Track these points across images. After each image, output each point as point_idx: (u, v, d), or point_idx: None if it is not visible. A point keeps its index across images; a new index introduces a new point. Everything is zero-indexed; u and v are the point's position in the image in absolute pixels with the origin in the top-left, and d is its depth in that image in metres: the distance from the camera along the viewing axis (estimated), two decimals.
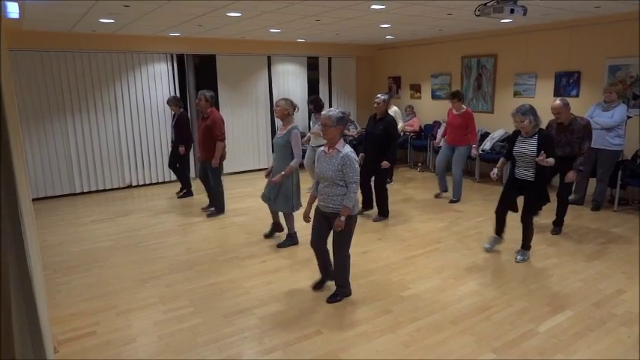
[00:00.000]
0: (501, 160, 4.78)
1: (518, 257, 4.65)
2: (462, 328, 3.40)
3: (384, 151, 5.72)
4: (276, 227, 5.40)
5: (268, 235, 5.42)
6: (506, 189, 4.71)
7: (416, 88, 10.10)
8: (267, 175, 5.12)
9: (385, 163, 5.70)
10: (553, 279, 4.22)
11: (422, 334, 3.32)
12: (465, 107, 6.71)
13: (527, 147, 4.38)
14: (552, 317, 3.54)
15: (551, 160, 4.23)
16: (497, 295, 3.92)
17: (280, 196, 4.91)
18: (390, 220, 6.05)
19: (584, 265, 4.53)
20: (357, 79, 10.90)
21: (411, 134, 9.56)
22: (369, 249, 5.05)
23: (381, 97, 5.80)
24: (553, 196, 5.46)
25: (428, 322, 3.49)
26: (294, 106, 4.96)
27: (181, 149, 7.15)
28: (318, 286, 4.06)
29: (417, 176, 8.89)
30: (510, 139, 4.64)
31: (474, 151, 6.75)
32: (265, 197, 5.09)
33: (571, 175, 5.06)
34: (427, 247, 5.08)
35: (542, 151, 4.20)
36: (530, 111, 4.31)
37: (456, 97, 6.65)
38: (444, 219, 6.10)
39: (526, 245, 4.68)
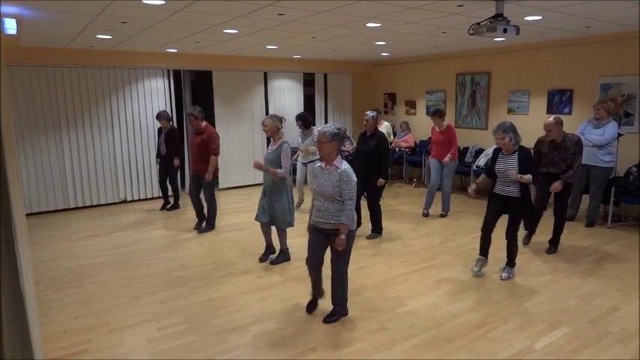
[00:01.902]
0: (482, 176, 4.78)
1: (503, 275, 4.62)
2: (459, 345, 3.38)
3: (375, 167, 5.72)
4: (270, 249, 5.24)
5: (264, 259, 5.19)
6: (490, 208, 4.65)
7: (411, 105, 10.18)
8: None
9: (380, 181, 5.70)
10: (548, 296, 4.22)
11: (418, 352, 3.29)
12: (446, 124, 6.86)
13: (508, 165, 4.41)
14: (548, 334, 3.52)
15: (527, 177, 4.29)
16: (493, 312, 3.90)
17: (278, 213, 4.91)
18: (385, 236, 6.04)
19: (579, 281, 4.53)
20: (353, 95, 10.99)
21: (407, 150, 9.62)
22: (365, 265, 5.04)
23: (369, 114, 5.86)
24: (547, 215, 5.49)
25: (424, 339, 3.46)
26: (280, 120, 4.98)
27: (176, 162, 7.31)
28: (312, 308, 3.94)
29: (413, 192, 8.91)
30: (492, 157, 4.65)
31: (446, 159, 6.73)
32: (259, 217, 5.01)
33: (556, 185, 5.02)
34: (423, 264, 5.07)
35: (516, 169, 4.30)
36: (511, 129, 4.36)
37: (437, 114, 6.80)
38: (440, 235, 6.10)
39: (511, 262, 4.66)
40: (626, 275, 4.67)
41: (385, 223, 6.19)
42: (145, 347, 3.41)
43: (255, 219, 5.08)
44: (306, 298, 4.16)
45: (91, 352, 3.35)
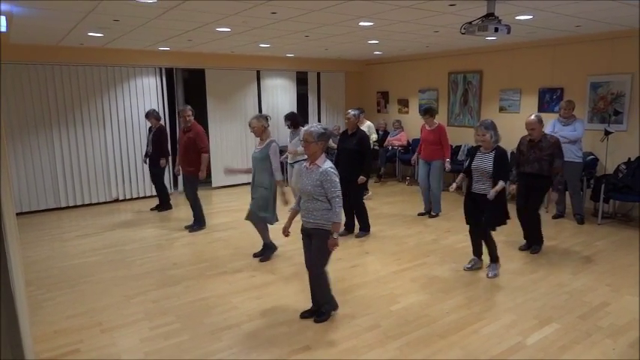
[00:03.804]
0: (461, 175, 4.80)
1: (490, 273, 4.63)
2: (451, 342, 3.41)
3: (357, 165, 5.68)
4: (269, 247, 5.23)
5: (264, 259, 5.16)
6: (468, 209, 4.66)
7: (403, 103, 10.21)
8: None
9: (362, 179, 5.67)
10: (539, 292, 4.26)
11: (411, 349, 3.31)
12: (437, 123, 6.83)
13: (484, 162, 4.45)
14: (539, 330, 3.56)
15: (499, 186, 4.30)
16: (485, 309, 3.93)
17: (261, 208, 4.91)
18: (378, 234, 6.06)
19: (570, 278, 4.58)
20: (346, 93, 11.00)
21: (399, 148, 9.64)
22: (358, 263, 5.05)
23: (351, 112, 5.86)
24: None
25: (417, 337, 3.48)
26: (266, 119, 4.99)
27: (162, 162, 7.22)
28: (308, 315, 3.83)
29: (406, 190, 8.95)
30: (470, 155, 4.67)
31: (447, 166, 6.76)
32: (251, 216, 5.00)
33: (553, 196, 5.11)
34: (416, 261, 5.10)
35: (491, 190, 4.31)
36: (492, 126, 4.42)
37: (428, 112, 6.79)
38: (433, 233, 6.13)
39: (494, 258, 4.68)
40: (616, 271, 4.72)
41: (378, 221, 6.21)
42: (137, 347, 3.40)
43: (246, 218, 5.07)
44: (298, 296, 4.17)
45: (82, 352, 3.33)
